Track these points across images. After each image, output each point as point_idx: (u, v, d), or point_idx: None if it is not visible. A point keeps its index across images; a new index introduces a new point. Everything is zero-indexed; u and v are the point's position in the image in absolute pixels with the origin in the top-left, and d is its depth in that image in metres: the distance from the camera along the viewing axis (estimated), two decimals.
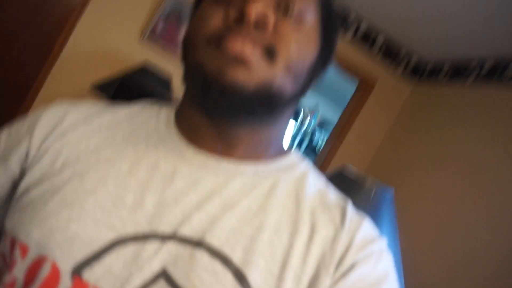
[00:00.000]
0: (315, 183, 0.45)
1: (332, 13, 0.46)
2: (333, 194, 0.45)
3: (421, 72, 2.61)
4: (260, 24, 0.37)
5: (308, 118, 5.37)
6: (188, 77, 0.41)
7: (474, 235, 1.66)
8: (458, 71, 2.28)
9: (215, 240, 0.37)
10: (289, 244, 0.38)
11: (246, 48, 0.36)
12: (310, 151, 5.72)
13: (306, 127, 5.52)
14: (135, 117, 0.47)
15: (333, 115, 5.12)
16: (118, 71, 2.16)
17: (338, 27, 0.49)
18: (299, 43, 0.40)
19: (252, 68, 0.37)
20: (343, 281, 0.37)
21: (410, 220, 1.97)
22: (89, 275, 0.35)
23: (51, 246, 0.36)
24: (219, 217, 0.38)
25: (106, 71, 2.20)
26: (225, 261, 0.36)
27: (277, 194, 0.41)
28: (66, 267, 0.35)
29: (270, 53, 0.38)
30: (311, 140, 5.72)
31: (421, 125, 2.38)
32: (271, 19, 0.37)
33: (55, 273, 0.35)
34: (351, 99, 2.74)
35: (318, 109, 5.33)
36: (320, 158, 2.76)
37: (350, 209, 0.43)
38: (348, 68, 2.55)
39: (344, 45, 2.47)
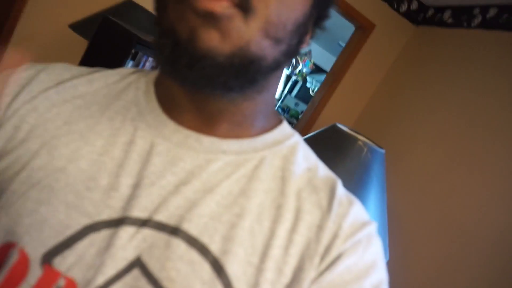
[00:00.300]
0: (304, 160, 0.42)
1: None
2: (322, 172, 0.41)
3: (421, 17, 2.50)
4: None
5: (300, 65, 5.23)
6: (160, 42, 0.34)
7: (469, 192, 1.67)
8: (460, 18, 2.18)
9: (192, 227, 0.34)
10: (270, 232, 0.35)
11: (216, 1, 0.29)
12: (301, 99, 5.66)
13: (297, 74, 5.40)
14: (112, 87, 0.42)
15: (327, 63, 4.99)
16: (99, 9, 2.00)
17: None
18: None
19: (225, 29, 0.30)
20: (329, 272, 0.34)
21: (398, 178, 1.99)
22: (60, 263, 0.32)
23: (18, 232, 0.33)
24: (198, 202, 0.35)
25: (86, 9, 2.04)
26: (203, 250, 0.33)
27: (261, 176, 0.38)
28: (35, 254, 0.33)
29: (244, 8, 0.30)
30: (302, 88, 5.64)
31: (418, 73, 2.32)
32: None
33: (24, 261, 0.33)
34: (347, 44, 2.64)
35: (310, 56, 5.18)
36: (310, 107, 2.72)
37: (340, 190, 0.40)
38: (346, 12, 2.42)
39: None
